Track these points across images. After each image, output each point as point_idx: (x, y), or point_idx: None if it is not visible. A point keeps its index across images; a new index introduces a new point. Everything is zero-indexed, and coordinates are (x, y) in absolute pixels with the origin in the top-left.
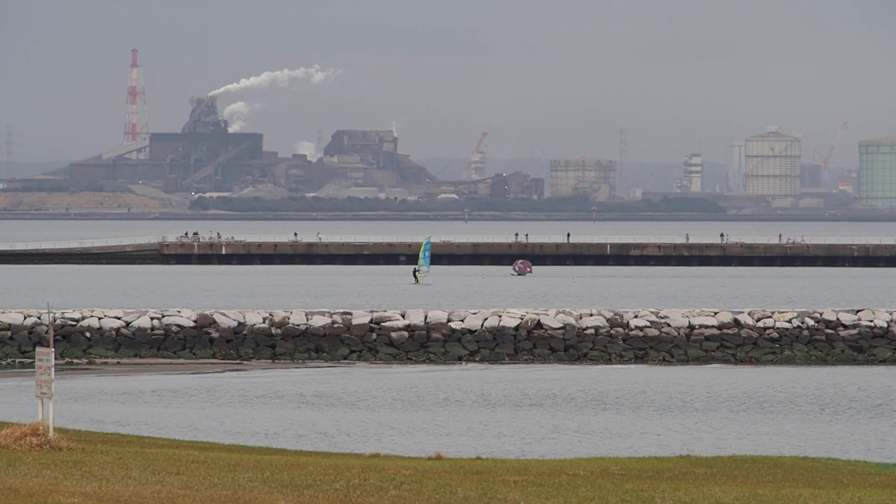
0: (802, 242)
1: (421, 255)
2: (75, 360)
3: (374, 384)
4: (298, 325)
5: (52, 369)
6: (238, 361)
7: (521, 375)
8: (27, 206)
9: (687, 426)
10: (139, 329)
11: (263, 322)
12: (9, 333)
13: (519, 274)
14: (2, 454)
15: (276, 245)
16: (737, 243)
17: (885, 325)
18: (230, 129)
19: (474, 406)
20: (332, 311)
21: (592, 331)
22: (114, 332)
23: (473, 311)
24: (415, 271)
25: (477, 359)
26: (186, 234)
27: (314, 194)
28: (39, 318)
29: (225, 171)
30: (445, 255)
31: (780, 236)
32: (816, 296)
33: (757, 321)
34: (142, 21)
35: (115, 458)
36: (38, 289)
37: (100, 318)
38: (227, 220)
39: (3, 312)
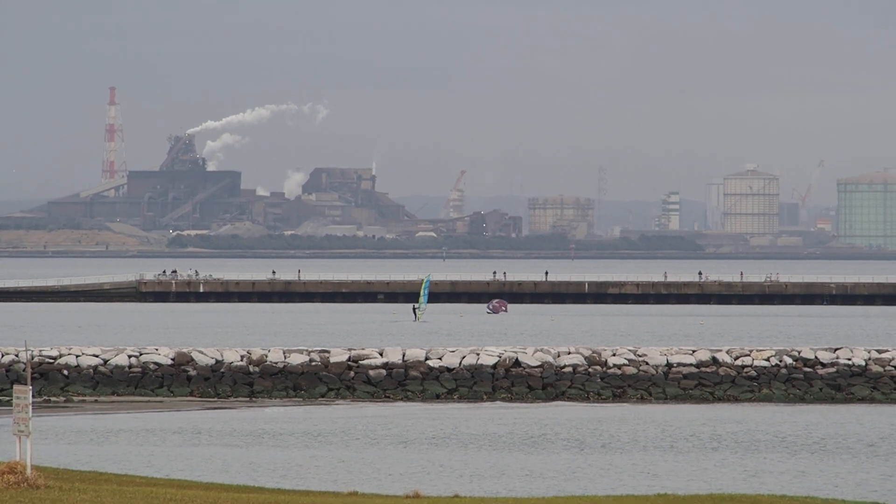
0: (778, 280)
1: (421, 293)
2: (53, 398)
3: (351, 422)
4: (276, 363)
5: (30, 407)
6: (216, 399)
7: (499, 414)
8: (4, 243)
9: (664, 464)
10: (117, 367)
11: (241, 360)
12: None
13: (493, 313)
14: None
15: (254, 283)
16: (715, 281)
17: (864, 363)
18: (208, 167)
19: (452, 444)
20: (309, 349)
21: (570, 369)
22: (91, 370)
23: (451, 349)
24: (414, 308)
25: (455, 397)
26: (164, 272)
27: (292, 232)
28: (17, 355)
29: (203, 209)
30: None
31: (742, 275)
32: (794, 334)
33: (735, 359)
34: (119, 59)
35: (92, 496)
36: (15, 326)
37: (77, 356)
38: (205, 257)
39: None
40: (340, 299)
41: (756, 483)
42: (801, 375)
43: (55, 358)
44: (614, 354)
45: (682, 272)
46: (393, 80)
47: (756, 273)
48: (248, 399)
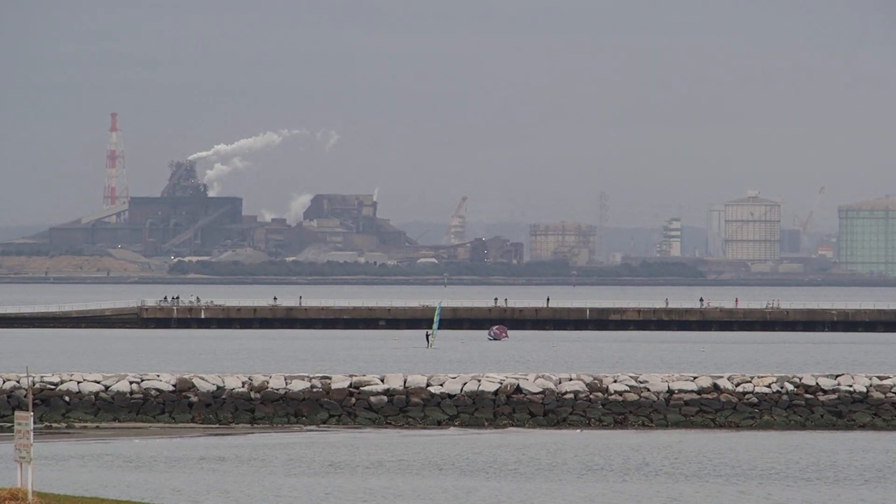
0: (779, 307)
1: (434, 319)
2: (54, 424)
3: (353, 449)
4: (278, 390)
5: (31, 433)
6: (217, 426)
7: (502, 441)
8: (6, 269)
9: (667, 492)
10: (118, 393)
11: (243, 386)
12: None
13: (495, 339)
14: None
15: (255, 309)
16: (716, 308)
17: (865, 389)
18: (210, 193)
19: (455, 472)
20: (311, 376)
21: (572, 395)
22: (93, 396)
23: (453, 375)
24: (427, 335)
25: (456, 423)
26: (166, 297)
27: (294, 258)
28: (18, 381)
29: (204, 235)
30: (425, 320)
31: (737, 301)
32: (796, 360)
33: (736, 386)
34: (120, 85)
35: None
36: (16, 352)
37: (79, 382)
38: (206, 284)
39: None
40: (342, 326)
41: None
42: (803, 402)
43: (56, 384)
44: (616, 381)
45: (683, 299)
46: (395, 107)
47: (757, 300)
48: (249, 425)
